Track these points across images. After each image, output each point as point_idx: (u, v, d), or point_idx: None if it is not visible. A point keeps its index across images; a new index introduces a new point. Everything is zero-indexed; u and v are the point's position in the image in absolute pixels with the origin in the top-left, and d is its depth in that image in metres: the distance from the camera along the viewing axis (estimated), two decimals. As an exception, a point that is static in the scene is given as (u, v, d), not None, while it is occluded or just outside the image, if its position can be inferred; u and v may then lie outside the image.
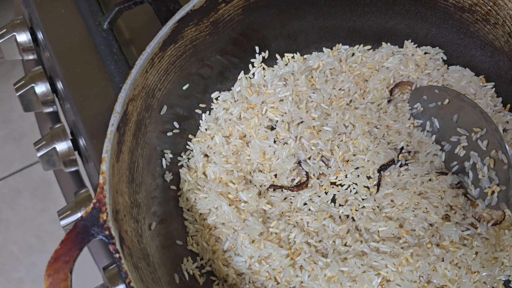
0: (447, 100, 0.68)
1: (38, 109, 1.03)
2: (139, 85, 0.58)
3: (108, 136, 0.53)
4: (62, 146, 0.93)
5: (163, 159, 0.66)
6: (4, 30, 1.03)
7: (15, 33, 1.03)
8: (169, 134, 0.68)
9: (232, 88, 0.75)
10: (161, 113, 0.65)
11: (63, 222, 0.85)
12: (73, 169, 0.98)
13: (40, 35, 0.98)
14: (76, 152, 0.96)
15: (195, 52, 0.67)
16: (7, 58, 1.07)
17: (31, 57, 1.08)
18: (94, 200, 0.50)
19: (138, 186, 0.58)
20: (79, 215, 0.84)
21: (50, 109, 1.03)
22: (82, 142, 0.87)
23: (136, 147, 0.59)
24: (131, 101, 0.57)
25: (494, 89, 0.73)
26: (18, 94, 0.99)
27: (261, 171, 0.71)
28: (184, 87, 0.68)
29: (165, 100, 0.65)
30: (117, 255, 0.48)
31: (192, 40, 0.65)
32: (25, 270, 2.00)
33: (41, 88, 0.99)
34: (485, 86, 0.73)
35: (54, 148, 0.92)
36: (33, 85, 0.98)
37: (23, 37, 1.05)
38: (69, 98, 0.86)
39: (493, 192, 0.63)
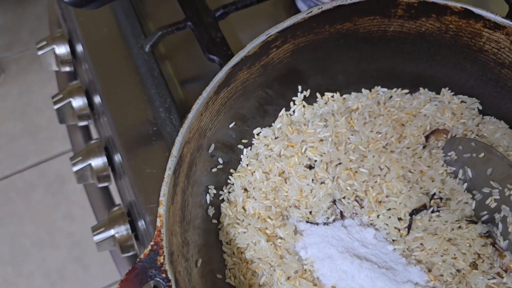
0: (482, 154, 0.70)
1: (73, 122, 1.06)
2: (194, 128, 0.61)
3: (166, 180, 0.56)
4: (97, 161, 0.96)
5: (208, 195, 0.69)
6: (45, 42, 1.06)
7: (54, 46, 1.06)
8: (214, 170, 0.70)
9: (272, 124, 0.77)
10: (209, 151, 0.67)
11: (96, 238, 0.88)
12: (106, 184, 1.01)
13: (80, 49, 1.01)
14: (110, 168, 0.99)
15: (244, 92, 0.69)
16: (45, 68, 1.10)
17: (67, 69, 1.11)
18: (152, 243, 0.53)
19: (188, 224, 0.61)
20: (112, 232, 0.87)
21: (84, 123, 1.06)
22: (117, 158, 0.90)
23: (188, 186, 0.61)
24: (186, 144, 0.60)
25: (527, 142, 0.75)
26: (55, 107, 1.02)
27: (296, 207, 0.74)
28: (231, 125, 0.71)
29: (213, 139, 0.67)
30: (174, 299, 0.50)
31: (243, 82, 0.67)
32: (36, 265, 2.03)
33: (78, 102, 1.02)
34: (518, 139, 0.75)
35: (90, 164, 0.95)
36: (70, 99, 1.01)
37: (62, 49, 1.07)
38: (107, 114, 0.88)
39: (523, 248, 0.65)
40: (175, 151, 0.58)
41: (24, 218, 2.08)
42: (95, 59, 0.95)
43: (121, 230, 0.88)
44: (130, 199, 0.87)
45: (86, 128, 1.19)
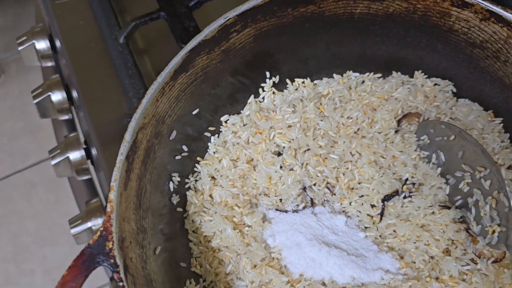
0: (452, 136, 0.68)
1: (54, 116, 1.05)
2: (149, 113, 0.60)
3: (117, 165, 0.55)
4: (75, 155, 0.96)
5: (171, 182, 0.68)
6: (25, 37, 1.06)
7: (34, 41, 1.06)
8: (178, 157, 0.69)
9: (241, 111, 0.76)
10: (171, 138, 0.66)
11: (73, 231, 0.88)
12: (86, 177, 1.00)
13: (58, 44, 1.01)
14: (89, 161, 0.98)
15: (206, 78, 0.68)
16: (26, 64, 1.10)
17: (49, 64, 1.11)
18: (101, 228, 0.52)
19: (145, 211, 0.60)
20: (89, 224, 0.87)
21: (65, 117, 1.06)
22: (94, 151, 0.89)
23: (145, 173, 0.61)
24: (141, 130, 0.59)
25: (502, 124, 0.73)
26: (35, 101, 1.02)
27: (266, 195, 0.73)
28: (194, 112, 0.70)
29: (174, 125, 0.66)
30: (121, 284, 0.50)
31: (203, 68, 0.66)
32: (37, 262, 2.05)
33: (57, 96, 1.02)
34: (493, 121, 0.73)
35: (68, 157, 0.95)
36: (50, 93, 1.01)
37: (42, 44, 1.07)
38: (84, 108, 0.88)
39: (493, 232, 0.63)
40: (128, 136, 0.57)
41: (25, 216, 2.10)
42: (72, 52, 0.94)
43: (98, 222, 0.88)
44: (107, 194, 0.87)
45: (70, 122, 1.19)
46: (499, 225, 0.63)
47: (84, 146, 0.97)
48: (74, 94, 0.96)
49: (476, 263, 0.67)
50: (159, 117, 0.62)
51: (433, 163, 0.72)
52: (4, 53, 2.34)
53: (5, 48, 2.35)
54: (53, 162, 0.95)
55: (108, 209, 0.53)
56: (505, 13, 0.64)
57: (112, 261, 0.50)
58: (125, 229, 0.54)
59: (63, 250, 2.06)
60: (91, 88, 0.90)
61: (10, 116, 2.28)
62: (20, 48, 1.06)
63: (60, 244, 2.07)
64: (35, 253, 2.06)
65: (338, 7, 0.70)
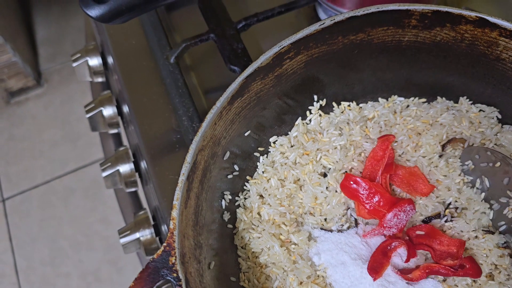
0: (498, 163, 0.69)
1: (104, 129, 1.11)
2: (207, 136, 0.64)
3: (179, 185, 0.59)
4: (125, 168, 1.01)
5: (223, 200, 0.71)
6: (79, 54, 1.12)
7: (88, 58, 1.12)
8: (230, 176, 0.73)
9: (289, 133, 0.79)
10: (224, 158, 0.70)
11: (123, 241, 0.92)
12: (133, 189, 1.05)
13: (110, 61, 1.06)
14: (137, 174, 1.03)
15: (259, 102, 0.72)
16: (79, 79, 1.16)
17: (100, 79, 1.17)
18: (165, 244, 0.56)
19: (201, 228, 0.64)
20: (137, 235, 0.91)
21: (114, 131, 1.11)
22: (143, 164, 0.94)
23: (201, 192, 0.64)
24: (200, 151, 0.63)
25: (547, 152, 0.74)
26: (87, 116, 1.08)
27: (312, 214, 0.76)
28: (246, 134, 0.73)
29: (228, 147, 0.70)
30: (183, 298, 0.53)
31: (257, 92, 0.70)
32: (73, 266, 2.11)
33: (109, 111, 1.07)
34: (539, 148, 0.74)
35: (118, 170, 1.00)
36: (101, 108, 1.06)
37: (95, 61, 1.13)
38: (134, 123, 0.93)
39: (539, 259, 0.64)
40: (189, 157, 0.61)
41: (63, 221, 2.18)
42: (124, 70, 1.00)
43: (146, 234, 0.92)
44: (154, 204, 0.91)
45: (117, 136, 1.24)
46: (545, 253, 0.64)
47: (133, 159, 1.02)
48: (125, 109, 1.01)
49: (520, 289, 0.68)
50: (216, 139, 0.66)
51: (477, 188, 0.74)
52: (48, 64, 2.44)
53: (48, 59, 2.45)
54: (104, 174, 1.00)
55: (171, 226, 0.57)
56: (554, 45, 0.65)
57: (175, 275, 0.54)
58: (185, 245, 0.58)
59: (98, 255, 2.13)
60: (141, 104, 0.95)
61: (51, 125, 2.37)
62: (74, 64, 1.12)
63: (95, 249, 2.13)
64: (71, 257, 2.13)
65: (386, 35, 0.73)
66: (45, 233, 2.17)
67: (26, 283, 2.08)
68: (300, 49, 0.70)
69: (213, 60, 1.02)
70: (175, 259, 0.55)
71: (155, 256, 0.55)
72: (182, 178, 0.59)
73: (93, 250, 2.14)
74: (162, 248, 0.56)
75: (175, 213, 0.57)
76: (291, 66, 0.71)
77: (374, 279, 0.67)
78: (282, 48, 0.67)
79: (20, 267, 2.12)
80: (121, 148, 1.03)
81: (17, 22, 2.34)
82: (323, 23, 0.68)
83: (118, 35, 1.05)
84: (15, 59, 2.14)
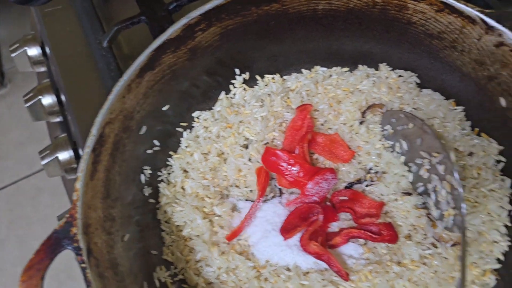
0: (411, 125, 0.70)
1: (45, 119, 1.10)
2: (116, 109, 0.64)
3: (84, 157, 0.59)
4: (64, 155, 1.00)
5: (142, 175, 0.71)
6: (17, 44, 1.11)
7: (26, 48, 1.11)
8: (149, 151, 0.73)
9: (213, 107, 0.80)
10: (140, 133, 0.70)
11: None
12: (75, 176, 1.05)
13: (47, 50, 1.05)
14: (77, 161, 1.02)
15: (174, 76, 0.72)
16: (20, 69, 1.15)
17: (42, 69, 1.16)
18: (67, 215, 0.56)
19: (114, 201, 0.64)
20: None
21: (56, 119, 1.10)
22: (81, 152, 0.93)
23: (113, 165, 0.64)
24: (108, 124, 0.63)
25: (464, 113, 0.75)
26: (26, 105, 1.07)
27: (237, 187, 0.76)
28: (164, 108, 0.73)
29: (144, 121, 0.70)
30: (83, 265, 0.53)
31: (171, 65, 0.70)
32: (44, 265, 2.09)
33: (48, 100, 1.06)
34: (455, 109, 0.75)
35: (57, 157, 0.99)
36: (40, 97, 1.05)
37: (34, 51, 1.12)
38: (70, 110, 0.92)
39: (449, 215, 0.65)
40: (94, 130, 0.61)
41: (32, 221, 2.16)
42: (59, 57, 0.99)
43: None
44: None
45: (65, 125, 1.23)
46: (453, 208, 0.65)
47: (74, 146, 1.01)
48: (63, 97, 1.00)
49: (436, 247, 0.69)
50: (127, 112, 0.66)
51: (397, 152, 0.74)
52: (11, 63, 2.41)
53: (11, 59, 2.42)
54: (43, 162, 1.00)
55: (74, 197, 0.57)
56: (458, 3, 0.66)
57: (76, 244, 0.54)
58: (91, 216, 0.58)
59: (70, 253, 2.11)
60: (77, 91, 0.94)
61: (16, 125, 2.34)
62: (13, 54, 1.11)
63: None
64: (42, 257, 2.10)
65: (301, 4, 0.73)
66: (14, 234, 2.15)
67: (-3, 285, 2.06)
68: (211, 21, 0.70)
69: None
70: (77, 230, 0.55)
71: (57, 227, 0.55)
72: (87, 150, 0.59)
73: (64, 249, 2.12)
74: (65, 219, 0.56)
75: (78, 184, 0.57)
76: (205, 39, 0.71)
77: (285, 239, 0.68)
78: (191, 19, 0.68)
79: (-10, 269, 2.10)
80: (61, 136, 1.03)
81: (-23, 22, 2.31)
82: (232, -7, 0.68)
83: (54, 23, 1.04)
84: (-25, 59, 2.12)
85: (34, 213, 2.19)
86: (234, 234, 0.71)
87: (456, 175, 0.62)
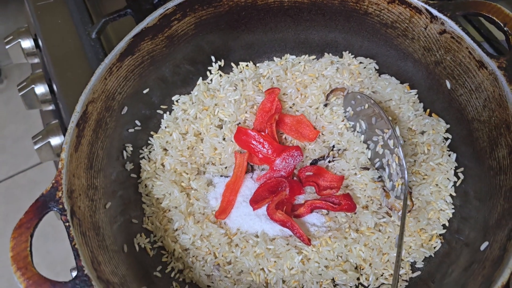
0: (367, 105, 0.78)
1: (39, 107, 1.17)
2: (98, 89, 0.71)
3: (69, 131, 0.66)
4: (56, 140, 1.07)
5: (124, 151, 0.78)
6: (11, 37, 1.18)
7: (20, 40, 1.18)
8: (131, 130, 0.80)
9: (191, 92, 0.87)
10: (122, 113, 0.77)
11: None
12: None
13: (40, 42, 1.12)
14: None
15: (153, 61, 0.79)
16: (14, 61, 1.22)
17: (36, 60, 1.23)
18: (53, 181, 0.63)
19: (97, 172, 0.71)
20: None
21: (49, 108, 1.17)
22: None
23: (96, 140, 0.71)
24: (91, 103, 0.70)
25: (417, 95, 0.82)
26: (20, 94, 1.14)
27: (213, 164, 0.83)
28: (145, 91, 0.80)
29: (126, 102, 0.77)
30: (66, 224, 0.60)
31: (149, 51, 0.77)
32: (41, 257, 2.15)
33: (41, 89, 1.13)
34: (410, 93, 0.82)
35: (49, 142, 1.06)
36: (33, 86, 1.12)
37: (27, 43, 1.19)
38: (61, 97, 0.99)
39: (398, 185, 0.73)
40: (78, 107, 0.68)
41: (28, 213, 2.21)
42: (51, 48, 1.06)
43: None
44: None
45: (58, 113, 1.30)
46: (401, 178, 0.72)
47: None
48: (55, 86, 1.07)
49: (390, 216, 0.76)
50: (108, 93, 0.73)
51: (358, 132, 0.82)
52: (7, 60, 2.48)
53: (7, 55, 2.48)
54: (36, 146, 1.07)
55: (60, 165, 0.64)
56: (406, -5, 0.74)
57: (60, 206, 0.61)
58: (75, 183, 0.65)
59: (65, 245, 2.17)
60: (67, 80, 1.02)
61: (13, 119, 2.41)
62: (7, 46, 1.18)
63: (62, 239, 2.18)
64: (39, 248, 2.17)
65: (268, -4, 0.81)
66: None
67: (-5, 276, 2.11)
68: (186, 11, 0.77)
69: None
70: (62, 193, 0.62)
71: (44, 191, 0.62)
72: (71, 125, 0.66)
73: (60, 241, 2.18)
74: (51, 184, 0.63)
75: (63, 155, 0.64)
76: (181, 28, 0.79)
77: (254, 209, 0.75)
78: (167, 10, 0.75)
79: (-12, 261, 2.16)
80: (52, 122, 1.10)
81: (-26, 20, 2.38)
82: (204, -14, 0.75)
83: (45, 16, 1.11)
84: (-27, 56, 2.19)
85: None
86: (224, 211, 0.77)
87: (400, 148, 0.69)
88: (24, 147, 2.39)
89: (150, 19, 0.74)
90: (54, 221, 2.29)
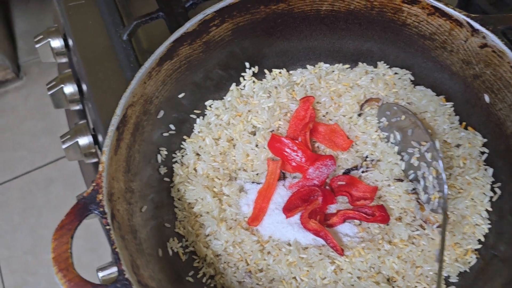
0: (403, 116, 0.77)
1: (66, 106, 1.18)
2: (137, 93, 0.71)
3: (109, 134, 0.66)
4: (84, 140, 1.08)
5: (159, 155, 0.79)
6: (41, 36, 1.19)
7: (50, 39, 1.19)
8: (165, 134, 0.80)
9: (224, 97, 0.87)
10: (158, 117, 0.77)
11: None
12: (94, 160, 1.12)
13: (70, 42, 1.13)
14: (96, 146, 1.10)
15: (190, 66, 0.79)
16: (43, 60, 1.23)
17: (64, 60, 1.24)
18: (94, 184, 0.63)
19: (133, 175, 0.71)
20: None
21: (76, 107, 1.18)
22: (100, 138, 1.01)
23: (134, 144, 0.71)
24: (130, 107, 0.70)
25: (453, 108, 0.82)
26: (49, 93, 1.15)
27: (245, 170, 0.83)
28: (180, 96, 0.81)
29: (162, 106, 0.77)
30: (107, 227, 0.60)
31: (187, 56, 0.77)
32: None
33: (69, 88, 1.14)
34: (445, 105, 0.82)
35: (77, 142, 1.07)
36: (62, 85, 1.13)
37: (57, 43, 1.20)
38: (91, 99, 1.00)
39: (435, 198, 0.72)
40: (118, 111, 0.68)
41: (44, 211, 2.23)
42: (82, 48, 1.07)
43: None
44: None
45: (82, 112, 1.31)
46: (438, 191, 0.72)
47: (93, 132, 1.09)
48: (84, 86, 1.08)
49: (424, 229, 0.76)
50: (147, 97, 0.73)
51: (391, 143, 0.81)
52: (27, 57, 2.50)
53: (27, 52, 2.51)
54: (64, 146, 1.07)
55: (100, 168, 0.64)
56: (447, 8, 0.74)
57: (101, 209, 0.61)
58: (114, 187, 0.65)
59: (79, 243, 2.18)
60: (98, 81, 1.02)
61: (31, 116, 2.43)
62: (37, 46, 1.19)
63: (76, 237, 2.18)
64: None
65: (305, 4, 0.81)
66: (26, 222, 2.23)
67: (8, 272, 2.13)
68: (224, 17, 0.77)
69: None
70: (102, 196, 0.62)
71: (85, 194, 0.63)
72: (111, 128, 0.67)
73: (74, 238, 2.19)
74: (92, 187, 0.63)
75: (104, 158, 0.65)
76: (218, 33, 0.79)
77: (287, 217, 0.75)
78: (207, 15, 0.75)
79: (2, 256, 2.17)
80: (80, 122, 1.10)
81: (-4, 17, 2.40)
82: (244, -7, 0.76)
83: (76, 16, 1.12)
84: (-6, 53, 2.21)
85: (46, 203, 2.27)
86: (257, 218, 0.77)
87: (440, 161, 0.69)
88: (41, 144, 2.41)
89: (189, 24, 0.74)
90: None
